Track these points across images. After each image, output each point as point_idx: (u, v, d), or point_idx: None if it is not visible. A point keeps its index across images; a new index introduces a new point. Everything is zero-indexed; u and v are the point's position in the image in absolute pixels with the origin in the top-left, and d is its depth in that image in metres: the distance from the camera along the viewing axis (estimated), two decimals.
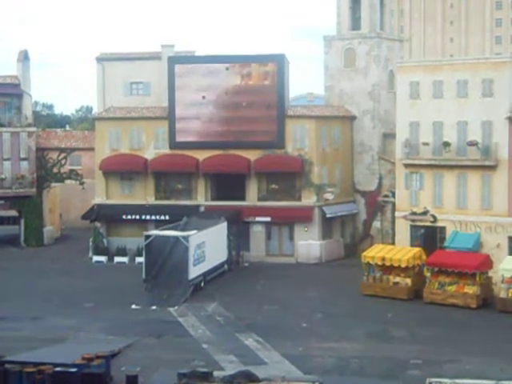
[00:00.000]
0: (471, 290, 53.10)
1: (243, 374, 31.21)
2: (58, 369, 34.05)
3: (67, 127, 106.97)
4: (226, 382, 30.31)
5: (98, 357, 35.94)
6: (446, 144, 60.75)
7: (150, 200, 72.45)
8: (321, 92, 79.51)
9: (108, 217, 72.97)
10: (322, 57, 75.81)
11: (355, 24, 75.05)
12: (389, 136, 70.76)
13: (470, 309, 51.66)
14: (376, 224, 72.82)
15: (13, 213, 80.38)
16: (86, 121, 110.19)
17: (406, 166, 62.56)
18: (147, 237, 59.40)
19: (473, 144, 59.46)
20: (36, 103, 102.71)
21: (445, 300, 53.17)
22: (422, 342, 43.12)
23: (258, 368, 34.88)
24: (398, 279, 56.38)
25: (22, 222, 79.70)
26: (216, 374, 32.02)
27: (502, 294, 52.47)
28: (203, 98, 71.38)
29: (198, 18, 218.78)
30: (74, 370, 34.10)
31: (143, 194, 72.96)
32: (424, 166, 61.74)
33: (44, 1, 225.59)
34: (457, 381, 31.12)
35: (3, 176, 78.55)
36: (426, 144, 61.76)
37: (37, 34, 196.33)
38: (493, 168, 58.92)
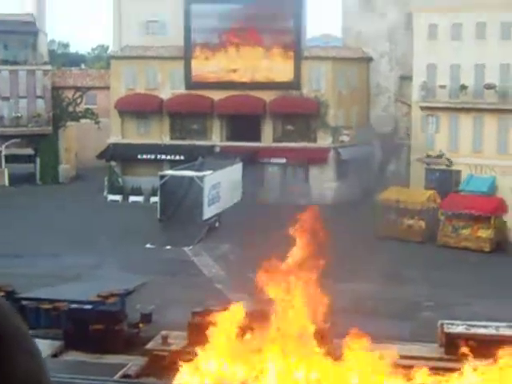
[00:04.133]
0: (485, 233, 53.15)
1: (256, 312, 31.46)
2: (73, 306, 34.45)
3: (83, 66, 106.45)
4: None
5: (112, 295, 36.28)
6: (463, 87, 60.43)
7: (166, 140, 72.46)
8: (337, 34, 78.91)
9: (123, 156, 73.08)
10: None
11: None
12: (406, 78, 70.20)
13: (483, 252, 51.76)
14: (391, 166, 72.68)
15: (28, 151, 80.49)
16: (101, 59, 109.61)
17: (423, 108, 62.34)
18: (162, 176, 59.56)
19: (490, 87, 59.09)
20: (52, 42, 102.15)
21: (458, 243, 53.25)
22: (435, 285, 43.30)
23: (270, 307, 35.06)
24: (412, 222, 56.45)
25: (38, 160, 79.94)
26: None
27: None
28: (219, 37, 71.04)
29: None
30: (89, 307, 34.50)
31: (159, 134, 72.97)
32: (440, 109, 61.52)
33: None
34: (469, 323, 31.36)
35: (19, 114, 78.64)
36: (442, 87, 61.45)
37: None
38: (510, 112, 58.60)
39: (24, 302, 34.72)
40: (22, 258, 48.56)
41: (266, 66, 70.02)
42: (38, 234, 56.06)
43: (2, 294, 34.12)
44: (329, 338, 30.76)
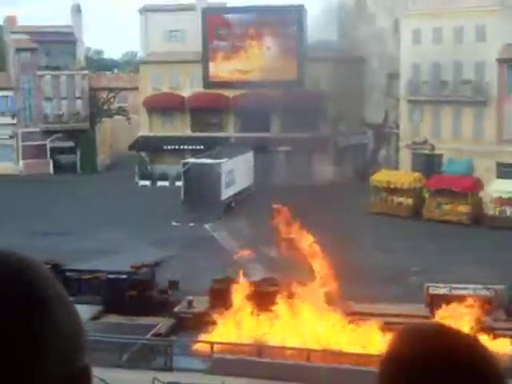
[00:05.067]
0: (464, 208, 53.13)
1: (267, 280, 31.64)
2: (110, 276, 34.62)
3: (115, 70, 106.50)
4: None
5: (144, 266, 36.43)
6: (444, 83, 60.25)
7: (187, 132, 72.55)
8: (334, 37, 78.61)
9: (151, 147, 73.21)
10: (335, 6, 74.82)
11: None
12: (394, 76, 69.98)
13: (462, 224, 51.70)
14: (382, 152, 72.60)
15: (70, 144, 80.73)
16: (131, 64, 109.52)
17: (409, 101, 62.24)
18: (185, 164, 59.68)
19: (467, 82, 58.98)
20: (88, 49, 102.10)
21: (441, 217, 53.23)
22: (421, 253, 43.29)
23: (280, 275, 35.19)
24: (401, 199, 56.44)
25: (78, 151, 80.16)
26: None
27: (491, 212, 52.52)
28: (232, 44, 71.00)
29: None
30: (124, 276, 34.67)
31: (181, 127, 73.04)
32: (424, 102, 61.42)
33: None
34: (451, 285, 31.40)
35: (61, 112, 78.84)
36: (426, 83, 61.31)
37: None
38: (484, 103, 58.48)
39: (68, 274, 34.88)
40: (63, 235, 48.76)
41: (274, 66, 69.81)
42: (80, 214, 56.22)
43: (48, 266, 34.33)
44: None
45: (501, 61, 57.70)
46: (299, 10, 70.40)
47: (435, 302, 31.01)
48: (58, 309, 1.30)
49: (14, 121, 77.91)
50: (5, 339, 1.20)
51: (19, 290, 1.25)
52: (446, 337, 1.45)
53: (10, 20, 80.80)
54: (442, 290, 31.79)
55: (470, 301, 29.43)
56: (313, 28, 70.19)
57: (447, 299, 30.38)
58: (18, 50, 77.13)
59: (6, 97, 78.52)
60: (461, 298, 29.99)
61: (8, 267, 1.28)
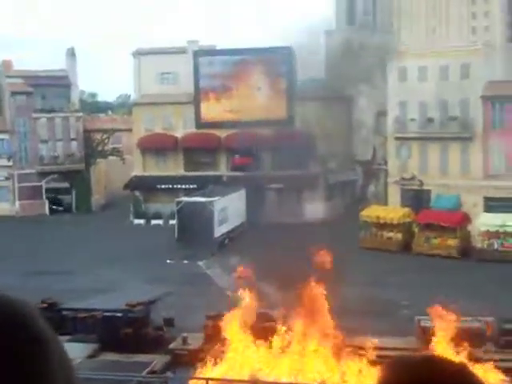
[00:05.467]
0: (453, 242, 53.22)
1: (261, 315, 31.50)
2: (106, 314, 34.43)
3: (109, 112, 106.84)
4: None
5: (139, 303, 36.24)
6: (430, 120, 60.63)
7: (180, 171, 72.67)
8: (322, 76, 79.09)
9: (145, 186, 73.28)
10: (322, 46, 75.48)
11: (351, 20, 74.68)
12: (381, 113, 70.44)
13: (452, 258, 51.74)
14: (371, 188, 72.77)
15: (65, 184, 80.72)
16: (125, 106, 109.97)
17: (396, 138, 62.53)
18: (178, 202, 59.74)
19: (453, 119, 59.37)
20: (82, 92, 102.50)
21: (430, 251, 53.29)
22: (411, 287, 43.21)
23: (274, 311, 35.04)
24: (390, 234, 56.49)
25: (73, 192, 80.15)
26: None
27: (479, 245, 52.58)
28: (223, 85, 71.40)
29: (206, 13, 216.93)
30: (119, 314, 34.47)
31: (174, 167, 73.16)
32: (411, 139, 61.75)
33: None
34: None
35: (56, 154, 78.94)
36: (413, 120, 61.66)
37: (80, 30, 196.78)
38: (469, 139, 58.83)
39: (64, 313, 34.68)
40: (60, 274, 48.56)
41: (264, 106, 70.31)
42: (74, 253, 56.09)
43: (44, 305, 34.16)
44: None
45: (485, 98, 58.15)
46: (287, 51, 70.91)
47: (426, 334, 30.89)
48: (52, 349, 1.31)
49: (10, 163, 77.95)
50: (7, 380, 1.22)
51: (15, 332, 1.27)
52: (435, 365, 1.44)
53: (6, 64, 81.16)
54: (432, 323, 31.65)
55: (460, 333, 29.33)
56: (301, 67, 70.71)
57: (438, 332, 30.25)
58: (14, 94, 77.41)
59: (2, 139, 78.64)
60: (453, 330, 29.87)
61: (3, 309, 1.29)
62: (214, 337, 31.17)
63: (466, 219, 55.06)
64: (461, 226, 54.13)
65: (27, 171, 77.88)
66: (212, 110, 72.17)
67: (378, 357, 27.51)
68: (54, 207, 74.73)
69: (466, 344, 28.75)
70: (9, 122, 78.30)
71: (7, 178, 78.32)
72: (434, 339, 29.52)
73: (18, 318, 1.29)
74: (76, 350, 28.13)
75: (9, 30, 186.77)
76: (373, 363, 27.56)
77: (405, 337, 32.63)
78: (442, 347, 28.56)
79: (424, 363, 1.45)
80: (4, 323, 1.27)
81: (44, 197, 79.09)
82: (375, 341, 30.04)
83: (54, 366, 1.28)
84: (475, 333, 30.15)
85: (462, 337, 29.07)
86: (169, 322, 35.79)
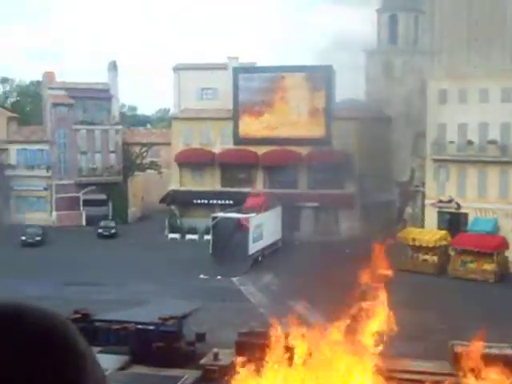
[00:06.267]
0: (489, 266, 52.61)
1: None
2: (139, 326, 34.49)
3: (148, 126, 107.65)
4: None
5: (171, 317, 36.28)
6: (470, 142, 60.12)
7: (217, 187, 72.84)
8: (362, 97, 79.06)
9: (181, 201, 73.51)
10: (362, 66, 75.44)
11: (392, 39, 74.50)
12: (420, 135, 69.99)
13: (488, 283, 51.11)
14: (408, 210, 72.24)
15: (102, 196, 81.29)
16: (164, 120, 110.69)
17: (435, 161, 62.05)
18: (214, 218, 59.75)
19: (493, 143, 58.81)
20: (122, 105, 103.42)
21: (466, 275, 52.75)
22: (446, 311, 42.72)
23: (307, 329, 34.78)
24: (426, 257, 56.02)
25: (110, 204, 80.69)
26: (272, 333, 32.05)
27: None
28: (262, 101, 71.54)
29: (248, 30, 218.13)
30: (152, 327, 34.51)
31: (211, 182, 73.35)
32: (450, 161, 61.22)
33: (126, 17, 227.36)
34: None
35: (95, 166, 79.59)
36: (452, 142, 61.19)
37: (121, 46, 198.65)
38: (509, 163, 58.18)
39: (97, 324, 34.82)
40: (94, 286, 48.82)
41: (302, 124, 70.32)
42: (110, 265, 56.38)
43: (78, 316, 34.33)
44: None
45: None
46: (327, 70, 70.92)
47: (460, 360, 30.47)
48: (90, 361, 1.32)
49: (49, 173, 78.70)
50: None
51: (56, 344, 1.29)
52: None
53: (48, 76, 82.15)
54: (467, 348, 31.23)
55: (495, 359, 28.88)
56: (340, 87, 70.72)
57: (472, 357, 29.83)
58: (55, 105, 78.24)
59: (42, 150, 79.49)
60: (486, 357, 29.45)
61: (44, 322, 1.31)
62: (245, 353, 31.02)
63: (504, 244, 54.43)
64: (498, 250, 53.50)
65: (65, 182, 78.56)
66: (250, 126, 72.33)
67: (408, 380, 27.21)
68: (101, 231, 73.41)
69: (500, 371, 28.28)
70: (49, 132, 79.16)
71: (45, 189, 79.07)
72: (467, 364, 29.09)
73: (58, 331, 1.31)
74: (107, 362, 28.21)
75: (50, 41, 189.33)
76: None
77: (438, 361, 32.21)
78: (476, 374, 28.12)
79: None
80: (45, 335, 1.29)
81: (81, 208, 79.65)
82: (408, 363, 29.72)
83: (89, 377, 1.30)
84: (510, 360, 29.64)
85: (494, 363, 28.61)
86: (201, 337, 35.76)
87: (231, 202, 69.25)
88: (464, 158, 60.43)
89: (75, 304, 37.40)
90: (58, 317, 1.35)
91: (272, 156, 70.64)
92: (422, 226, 63.32)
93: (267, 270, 54.99)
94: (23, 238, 66.03)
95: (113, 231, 72.02)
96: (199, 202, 72.29)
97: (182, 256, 60.39)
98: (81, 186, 79.16)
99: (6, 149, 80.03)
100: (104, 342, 32.67)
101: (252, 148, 71.79)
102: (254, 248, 57.96)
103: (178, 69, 79.40)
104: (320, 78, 71.00)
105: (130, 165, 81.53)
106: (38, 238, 66.40)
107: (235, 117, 72.80)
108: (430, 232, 58.73)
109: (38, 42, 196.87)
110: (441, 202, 61.85)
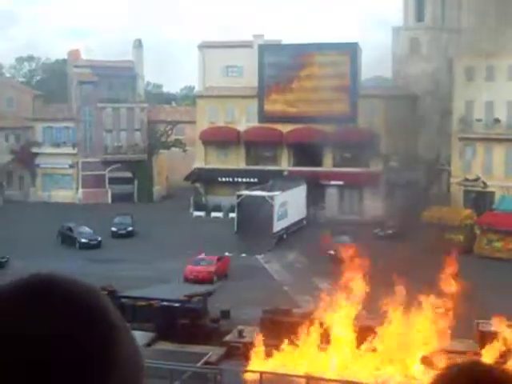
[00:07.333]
0: None
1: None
2: (164, 303, 34.73)
3: (173, 103, 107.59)
4: None
5: (196, 295, 36.49)
6: (497, 120, 59.61)
7: (242, 165, 72.84)
8: (388, 75, 78.52)
9: (206, 178, 73.62)
10: (389, 44, 74.80)
11: (420, 16, 73.79)
12: (446, 113, 69.49)
13: None
14: (434, 188, 71.79)
15: (128, 174, 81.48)
16: (188, 98, 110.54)
17: (461, 139, 61.62)
18: (239, 196, 59.83)
19: None
20: (147, 83, 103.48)
21: (492, 254, 52.48)
22: (472, 289, 42.44)
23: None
24: (452, 236, 55.71)
25: (135, 182, 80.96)
26: (294, 311, 32.25)
27: None
28: (287, 79, 71.28)
29: (275, 8, 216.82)
30: (177, 304, 34.74)
31: (236, 160, 73.36)
32: (476, 139, 60.78)
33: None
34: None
35: (120, 144, 79.86)
36: (478, 120, 60.71)
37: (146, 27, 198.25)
38: None
39: (123, 300, 35.08)
40: (121, 263, 49.15)
41: (327, 102, 69.95)
42: (135, 242, 56.69)
43: (105, 293, 34.57)
44: None
45: None
46: (353, 47, 70.49)
47: (485, 338, 30.44)
48: (125, 334, 1.35)
49: (75, 151, 79.10)
50: (81, 365, 1.26)
51: (96, 317, 1.32)
52: (486, 374, 1.44)
53: (73, 54, 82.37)
54: (491, 327, 31.20)
55: None
56: (367, 65, 70.27)
57: (497, 336, 29.80)
58: (81, 83, 78.47)
59: (68, 127, 79.88)
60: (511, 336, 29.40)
61: (80, 295, 1.34)
62: (269, 331, 31.17)
63: None
64: None
65: (91, 160, 78.91)
66: (275, 104, 72.13)
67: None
68: (115, 230, 61.65)
69: None
70: (75, 110, 79.48)
71: (71, 166, 79.52)
72: (493, 344, 29.06)
73: (99, 304, 1.35)
74: None
75: (76, 19, 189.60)
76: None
77: (463, 340, 32.15)
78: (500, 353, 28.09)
79: (476, 372, 1.45)
80: (86, 309, 1.32)
81: (107, 185, 80.00)
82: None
83: (117, 349, 1.31)
84: None
85: None
86: (225, 315, 35.94)
87: (256, 179, 69.24)
88: (491, 136, 59.95)
89: (100, 280, 37.69)
90: (96, 289, 1.38)
91: (297, 134, 70.47)
92: (448, 205, 62.95)
93: (292, 248, 55.03)
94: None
95: (129, 229, 62.00)
96: (224, 179, 72.38)
97: (207, 234, 60.46)
98: (106, 163, 79.47)
99: (32, 126, 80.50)
100: (130, 318, 32.90)
101: (277, 126, 71.65)
102: (278, 226, 58.01)
103: (203, 46, 79.26)
104: (346, 55, 70.57)
105: (154, 143, 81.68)
106: None
107: (260, 95, 72.62)
108: (456, 211, 58.46)
109: (64, 21, 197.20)
110: (467, 180, 61.48)
